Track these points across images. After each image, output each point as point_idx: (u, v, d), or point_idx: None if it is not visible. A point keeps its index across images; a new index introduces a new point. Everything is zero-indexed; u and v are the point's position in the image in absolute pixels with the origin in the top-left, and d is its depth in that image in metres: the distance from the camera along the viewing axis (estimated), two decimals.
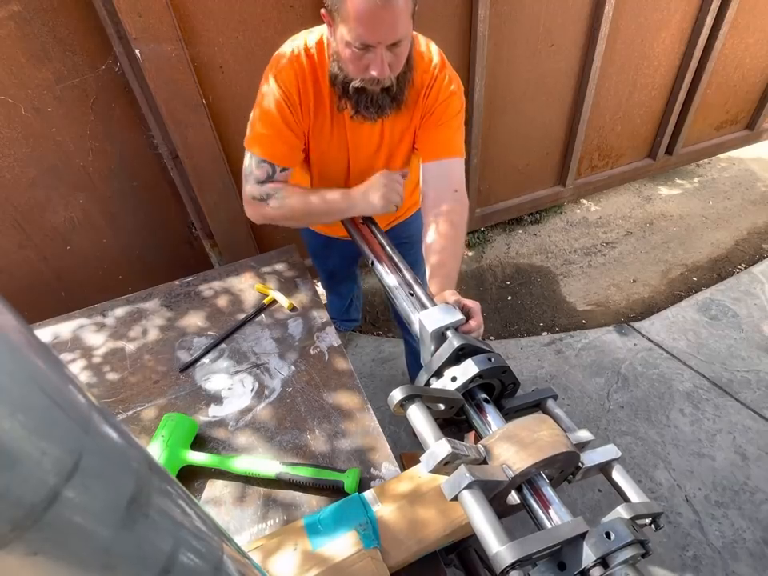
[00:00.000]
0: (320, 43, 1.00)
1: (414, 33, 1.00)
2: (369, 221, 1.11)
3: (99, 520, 0.24)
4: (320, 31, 1.01)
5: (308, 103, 1.01)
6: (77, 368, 1.15)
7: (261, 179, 1.06)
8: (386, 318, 2.47)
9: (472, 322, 0.81)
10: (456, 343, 0.67)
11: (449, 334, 0.73)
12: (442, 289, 0.91)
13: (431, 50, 1.06)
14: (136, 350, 1.19)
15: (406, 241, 1.41)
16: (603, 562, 0.48)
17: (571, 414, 1.92)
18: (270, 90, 1.01)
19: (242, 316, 1.26)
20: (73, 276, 1.96)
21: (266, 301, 1.28)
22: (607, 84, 2.55)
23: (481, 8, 1.93)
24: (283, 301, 1.26)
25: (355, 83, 0.92)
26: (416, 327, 0.82)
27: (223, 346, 1.19)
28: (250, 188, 1.08)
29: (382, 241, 1.05)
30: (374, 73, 0.88)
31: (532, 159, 2.69)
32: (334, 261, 1.64)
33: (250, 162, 1.07)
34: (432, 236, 1.01)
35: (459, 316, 0.78)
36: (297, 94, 1.00)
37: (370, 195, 1.02)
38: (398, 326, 2.00)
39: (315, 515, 0.78)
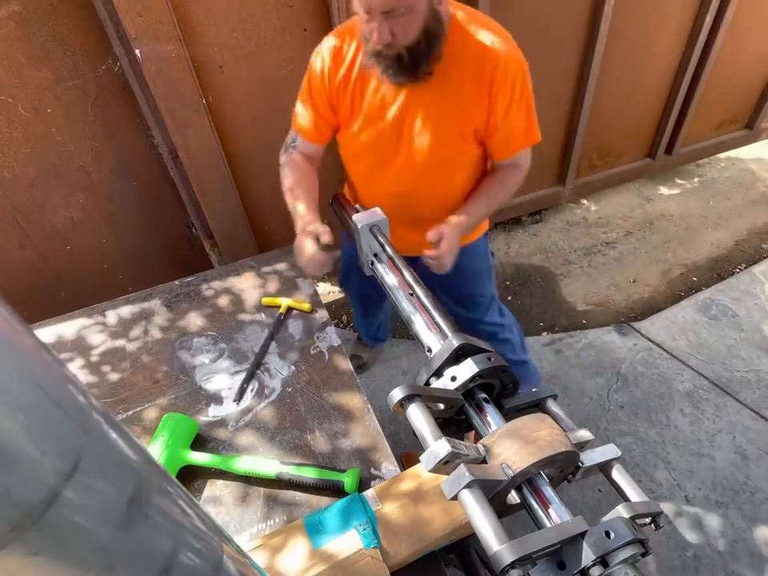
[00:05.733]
0: None
1: (472, 10, 1.07)
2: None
3: (99, 520, 0.24)
4: None
5: (336, 71, 1.09)
6: (77, 368, 1.15)
7: (286, 142, 1.25)
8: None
9: (433, 252, 1.05)
10: (455, 343, 0.67)
11: (447, 332, 0.73)
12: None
13: (490, 25, 1.06)
14: (136, 349, 1.19)
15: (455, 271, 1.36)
16: (603, 561, 0.47)
17: (571, 414, 1.91)
18: (310, 63, 1.13)
19: (242, 316, 1.26)
20: (73, 276, 1.96)
21: (281, 311, 1.25)
22: (607, 84, 2.55)
23: (480, 8, 1.93)
24: (300, 305, 1.26)
25: (371, 46, 0.98)
26: (415, 327, 0.82)
27: (223, 345, 1.19)
28: (282, 149, 1.27)
29: (382, 240, 1.05)
30: (374, 37, 0.93)
31: (531, 159, 2.68)
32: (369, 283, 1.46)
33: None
34: (478, 186, 1.24)
35: (383, 217, 0.98)
36: (323, 65, 1.09)
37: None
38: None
39: (315, 515, 0.78)
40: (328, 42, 1.10)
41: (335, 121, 1.18)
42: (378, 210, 1.02)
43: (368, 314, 1.91)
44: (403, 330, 2.37)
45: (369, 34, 0.95)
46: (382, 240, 0.98)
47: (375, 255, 1.00)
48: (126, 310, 1.31)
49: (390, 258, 0.96)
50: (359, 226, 0.98)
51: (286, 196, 1.20)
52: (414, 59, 0.98)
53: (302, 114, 1.19)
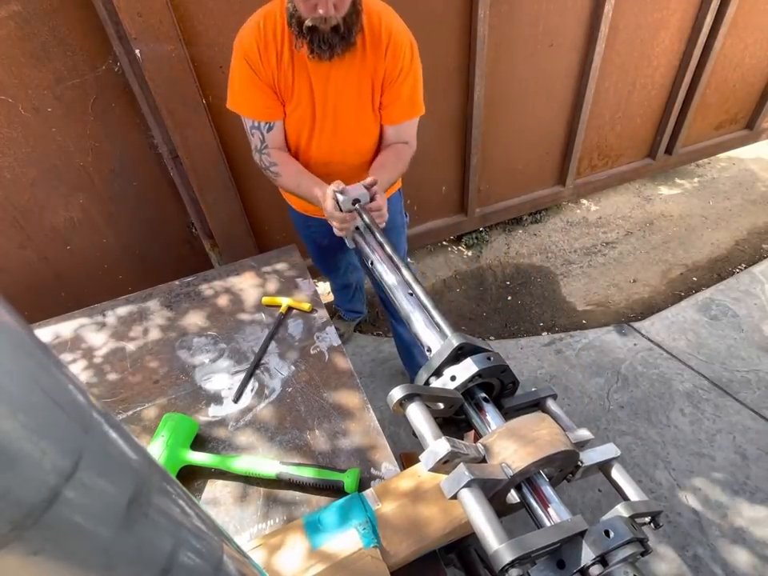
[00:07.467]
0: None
1: None
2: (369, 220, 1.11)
3: (99, 520, 0.24)
4: None
5: (269, 57, 1.12)
6: (77, 368, 1.15)
7: (258, 146, 1.24)
8: (386, 318, 2.47)
9: (373, 204, 1.05)
10: (455, 342, 0.67)
11: (447, 331, 0.73)
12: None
13: (381, 6, 1.16)
14: (136, 349, 1.19)
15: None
16: (602, 560, 0.48)
17: (571, 414, 1.92)
18: (235, 56, 1.14)
19: (242, 316, 1.26)
20: (73, 276, 1.96)
21: (281, 310, 1.25)
22: (607, 84, 2.55)
23: (481, 8, 1.93)
24: (300, 304, 1.26)
25: (307, 22, 1.02)
26: (414, 326, 0.82)
27: (223, 345, 1.19)
28: (253, 154, 1.27)
29: (381, 240, 1.05)
30: (321, 11, 0.98)
31: (532, 159, 2.68)
32: (320, 239, 1.59)
33: (246, 127, 1.23)
34: (378, 159, 1.27)
35: (365, 191, 1.03)
36: (257, 51, 1.11)
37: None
38: (386, 312, 1.99)
39: (315, 514, 0.78)
40: (252, 31, 1.11)
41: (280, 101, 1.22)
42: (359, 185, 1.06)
43: (333, 277, 2.02)
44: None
45: (308, 11, 1.00)
46: (381, 239, 0.97)
47: (357, 228, 1.05)
48: (126, 310, 1.31)
49: (390, 258, 0.95)
50: (341, 199, 1.03)
51: (294, 190, 1.24)
52: (348, 28, 1.05)
53: (248, 99, 1.18)
